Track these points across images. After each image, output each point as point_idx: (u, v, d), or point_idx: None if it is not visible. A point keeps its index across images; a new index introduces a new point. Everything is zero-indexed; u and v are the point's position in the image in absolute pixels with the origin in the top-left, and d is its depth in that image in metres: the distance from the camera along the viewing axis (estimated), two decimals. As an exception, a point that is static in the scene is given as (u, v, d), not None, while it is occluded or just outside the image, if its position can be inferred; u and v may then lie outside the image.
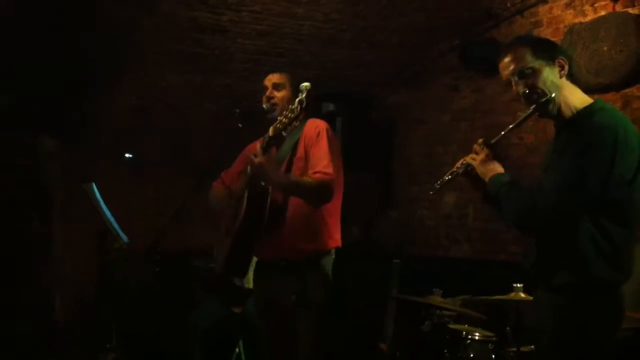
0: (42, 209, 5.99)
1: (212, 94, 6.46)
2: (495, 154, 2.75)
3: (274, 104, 3.55)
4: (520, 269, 2.78)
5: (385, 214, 6.83)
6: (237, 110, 3.61)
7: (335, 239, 3.53)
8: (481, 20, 5.82)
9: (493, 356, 4.02)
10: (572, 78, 2.67)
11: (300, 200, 3.40)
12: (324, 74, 6.16)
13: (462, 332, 4.19)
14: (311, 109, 3.47)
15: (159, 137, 6.45)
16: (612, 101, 4.47)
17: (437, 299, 4.39)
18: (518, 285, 3.80)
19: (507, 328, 4.10)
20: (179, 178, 5.87)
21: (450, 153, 6.30)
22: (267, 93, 3.59)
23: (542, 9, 5.39)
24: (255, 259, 3.64)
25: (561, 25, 5.18)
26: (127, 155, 6.31)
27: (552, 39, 4.00)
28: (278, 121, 3.26)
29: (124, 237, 4.25)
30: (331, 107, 6.45)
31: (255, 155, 3.25)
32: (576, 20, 5.07)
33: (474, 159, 2.77)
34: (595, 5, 4.97)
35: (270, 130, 3.33)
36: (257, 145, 3.42)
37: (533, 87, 2.61)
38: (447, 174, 2.84)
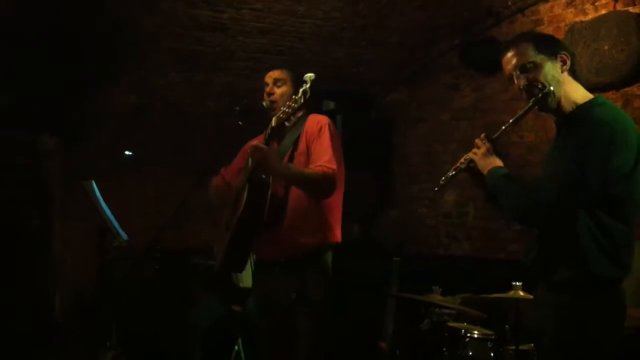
0: (42, 207, 5.99)
1: (212, 92, 6.46)
2: (496, 150, 2.76)
3: (274, 101, 3.54)
4: (521, 266, 2.78)
5: (385, 212, 6.83)
6: (237, 108, 3.59)
7: (336, 234, 3.52)
8: (482, 19, 5.82)
9: (492, 354, 4.03)
10: (575, 74, 2.68)
11: (301, 194, 3.39)
12: (324, 72, 6.12)
13: (461, 330, 4.20)
14: (312, 107, 3.48)
15: (159, 136, 6.45)
16: (612, 100, 4.45)
17: (436, 297, 4.39)
18: (517, 283, 3.80)
19: (506, 326, 4.11)
20: (178, 176, 5.87)
21: (449, 152, 6.30)
22: (268, 89, 3.58)
23: (543, 8, 5.39)
24: (254, 258, 3.63)
25: (562, 24, 5.18)
26: (126, 152, 6.30)
27: (553, 37, 4.00)
28: (281, 111, 3.26)
29: (124, 235, 4.25)
30: (332, 105, 6.45)
31: (258, 147, 3.24)
32: (577, 19, 5.07)
33: (476, 153, 2.78)
34: (596, 4, 4.97)
35: (273, 121, 3.32)
36: (257, 141, 3.42)
37: (533, 81, 2.63)
38: (451, 170, 2.85)
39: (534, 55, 2.63)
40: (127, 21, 5.24)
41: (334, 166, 3.33)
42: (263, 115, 3.57)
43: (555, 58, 2.63)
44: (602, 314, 2.50)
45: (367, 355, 5.04)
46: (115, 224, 4.28)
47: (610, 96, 4.66)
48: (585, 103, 2.61)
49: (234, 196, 3.49)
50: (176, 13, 5.23)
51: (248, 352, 4.69)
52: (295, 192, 3.43)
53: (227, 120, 3.58)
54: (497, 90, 5.82)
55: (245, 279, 4.33)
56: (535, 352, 3.38)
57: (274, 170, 3.30)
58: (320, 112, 3.77)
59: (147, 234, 3.78)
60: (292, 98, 3.21)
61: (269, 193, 3.33)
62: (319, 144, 3.41)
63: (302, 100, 3.14)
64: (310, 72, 3.24)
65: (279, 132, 3.43)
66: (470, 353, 4.05)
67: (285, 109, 3.22)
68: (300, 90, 3.15)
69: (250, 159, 3.34)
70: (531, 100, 2.64)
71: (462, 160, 2.83)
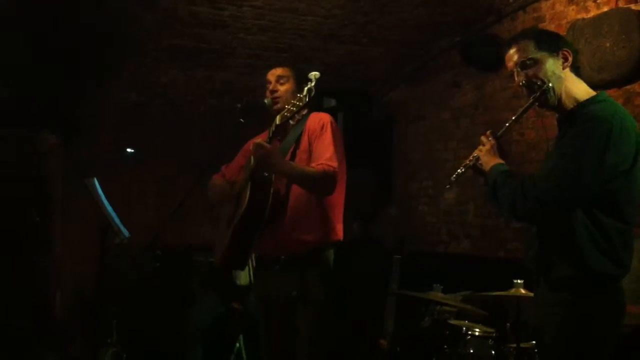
0: (42, 204, 5.99)
1: (213, 90, 6.46)
2: (500, 148, 2.77)
3: (277, 97, 3.54)
4: (521, 264, 2.78)
5: (385, 210, 6.83)
6: (239, 106, 3.59)
7: (337, 232, 3.51)
8: (483, 16, 5.81)
9: (493, 352, 4.03)
10: (578, 71, 2.68)
11: (303, 192, 3.39)
12: (325, 69, 6.13)
13: (462, 328, 4.20)
14: (313, 104, 3.47)
15: (159, 133, 6.45)
16: (614, 97, 4.41)
17: (437, 294, 4.39)
18: (518, 281, 3.80)
19: (507, 324, 4.10)
20: (179, 174, 5.88)
21: (450, 150, 6.30)
22: (270, 87, 3.57)
23: (545, 5, 5.38)
24: (254, 256, 3.63)
25: (564, 21, 5.16)
26: (128, 150, 6.30)
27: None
28: (286, 109, 3.25)
29: (125, 232, 4.24)
30: (332, 102, 6.44)
31: (260, 144, 3.24)
32: (579, 16, 5.06)
33: (481, 150, 2.79)
34: (598, 1, 4.95)
35: (277, 119, 3.32)
36: (260, 139, 3.41)
37: (533, 77, 2.64)
38: (461, 167, 2.86)
39: (534, 52, 2.64)
40: (128, 18, 5.23)
41: (335, 164, 3.33)
42: (264, 113, 3.56)
43: (557, 55, 2.64)
44: (600, 311, 2.50)
45: (368, 352, 5.04)
46: (117, 220, 4.26)
47: (611, 93, 4.64)
48: (586, 100, 2.61)
49: (236, 193, 3.48)
50: (177, 10, 5.23)
51: (249, 348, 4.69)
52: (296, 190, 3.42)
53: (228, 117, 3.57)
54: (498, 88, 5.81)
55: (242, 276, 4.33)
56: (536, 349, 3.39)
57: (276, 168, 3.30)
58: (321, 109, 3.76)
59: (148, 232, 3.79)
60: (297, 96, 3.20)
61: (271, 191, 3.33)
62: (321, 142, 3.41)
63: (307, 99, 3.13)
64: (311, 69, 3.24)
65: (283, 130, 3.43)
66: (471, 351, 4.05)
67: (290, 107, 3.21)
68: (305, 88, 3.14)
69: (252, 157, 3.34)
70: (531, 97, 2.65)
71: (470, 157, 2.84)
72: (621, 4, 4.80)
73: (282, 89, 3.55)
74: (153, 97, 6.38)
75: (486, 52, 5.74)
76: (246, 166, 3.48)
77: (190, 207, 3.76)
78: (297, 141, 3.51)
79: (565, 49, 2.65)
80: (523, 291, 3.77)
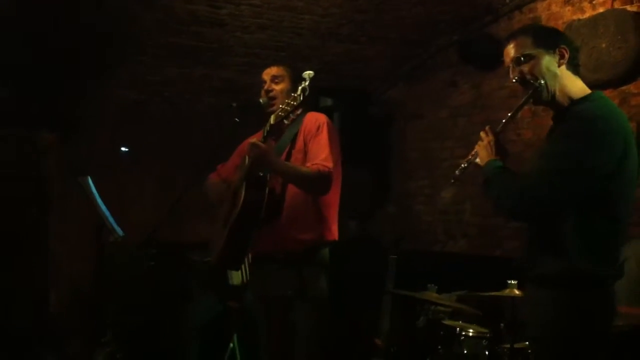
0: (39, 203, 6.00)
1: (210, 88, 6.46)
2: (500, 144, 2.77)
3: (273, 97, 3.55)
4: (513, 264, 2.80)
5: (382, 209, 6.83)
6: (234, 105, 3.60)
7: (333, 232, 3.53)
8: (480, 15, 5.81)
9: (487, 352, 4.03)
10: (576, 69, 2.67)
11: (298, 191, 3.41)
12: (322, 67, 6.15)
13: (456, 328, 4.20)
14: (309, 104, 3.48)
15: (157, 131, 6.45)
16: (609, 98, 4.46)
17: (432, 294, 4.39)
18: (513, 282, 3.81)
19: (502, 324, 4.11)
20: (177, 172, 5.88)
21: (447, 148, 6.30)
22: (266, 86, 3.58)
23: (541, 5, 5.38)
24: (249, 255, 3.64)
25: (560, 22, 5.17)
26: (122, 148, 6.31)
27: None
28: (280, 109, 3.26)
29: (119, 231, 4.25)
30: (329, 101, 6.44)
31: (255, 143, 3.25)
32: (575, 17, 5.07)
33: (479, 145, 2.80)
34: (594, 2, 4.96)
35: (272, 119, 3.34)
36: (254, 139, 3.42)
37: (527, 74, 2.64)
38: (464, 162, 2.87)
39: (531, 48, 2.64)
40: (128, 17, 5.23)
41: (330, 164, 3.34)
42: (260, 112, 3.57)
43: (554, 52, 2.63)
44: (584, 310, 2.48)
45: (363, 351, 5.05)
46: (111, 219, 4.27)
47: (607, 94, 4.58)
48: (580, 98, 2.60)
49: (231, 193, 3.50)
50: (174, 8, 5.23)
51: (243, 348, 4.70)
52: (293, 189, 3.45)
53: (227, 115, 3.58)
54: (495, 88, 5.81)
55: (235, 277, 4.34)
56: (530, 349, 3.39)
57: (271, 167, 3.32)
58: (317, 109, 3.77)
59: (145, 230, 3.80)
60: (291, 96, 3.21)
61: (267, 190, 3.35)
62: (317, 142, 3.42)
63: (301, 98, 3.15)
64: (309, 67, 3.25)
65: (277, 129, 3.44)
66: (465, 351, 4.06)
67: (284, 106, 3.23)
68: (300, 88, 3.16)
69: (247, 157, 3.35)
70: (525, 94, 2.66)
71: (472, 152, 2.85)
72: (617, 5, 4.80)
73: (277, 88, 3.56)
74: (152, 95, 6.38)
75: (484, 51, 5.74)
76: (241, 166, 3.49)
77: (187, 205, 3.76)
78: (293, 141, 3.52)
79: (563, 46, 2.64)
80: (517, 291, 3.78)
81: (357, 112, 6.72)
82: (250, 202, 3.29)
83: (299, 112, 3.49)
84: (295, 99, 3.16)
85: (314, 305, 3.43)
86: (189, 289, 5.37)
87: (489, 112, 5.85)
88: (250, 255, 3.65)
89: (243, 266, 3.76)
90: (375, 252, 5.63)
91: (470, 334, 4.12)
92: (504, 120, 2.76)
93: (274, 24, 5.58)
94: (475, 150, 2.83)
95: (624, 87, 4.76)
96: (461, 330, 4.16)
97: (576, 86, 2.64)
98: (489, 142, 2.76)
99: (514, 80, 2.68)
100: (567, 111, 2.60)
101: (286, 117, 3.29)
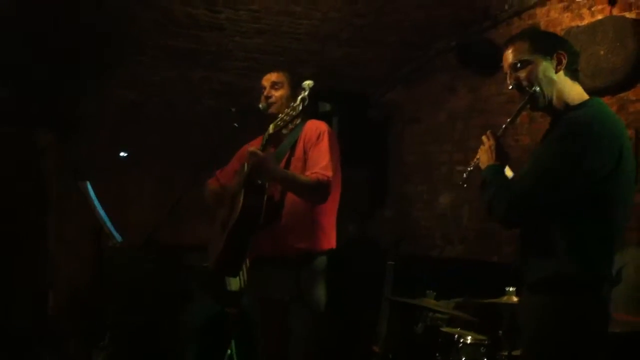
0: (38, 203, 5.99)
1: (210, 90, 6.45)
2: (501, 148, 2.77)
3: (272, 103, 3.55)
4: (510, 270, 2.80)
5: (380, 213, 6.83)
6: (233, 109, 3.61)
7: (330, 240, 3.54)
8: (479, 20, 5.81)
9: (485, 359, 4.03)
10: (575, 74, 2.67)
11: (297, 199, 3.41)
12: (321, 71, 6.15)
13: (454, 335, 4.20)
14: (308, 109, 3.48)
15: (157, 132, 6.45)
16: (608, 105, 4.47)
17: (430, 301, 4.39)
18: (510, 289, 3.81)
19: (500, 331, 4.10)
20: (175, 174, 5.88)
21: (445, 152, 6.30)
22: (265, 92, 3.59)
23: (540, 12, 5.39)
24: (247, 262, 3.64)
25: (558, 28, 5.17)
26: (121, 153, 6.30)
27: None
28: (279, 118, 3.27)
29: (118, 237, 4.25)
30: (327, 106, 6.42)
31: (254, 152, 3.26)
32: (573, 24, 5.07)
33: (481, 149, 2.80)
34: (593, 9, 4.97)
35: (271, 128, 3.34)
36: (253, 147, 3.43)
37: (523, 80, 2.64)
38: (470, 165, 2.88)
39: (527, 54, 2.64)
40: (127, 18, 5.23)
41: (330, 173, 3.34)
42: (259, 116, 3.58)
43: (551, 57, 2.63)
44: (575, 315, 2.48)
45: (360, 358, 5.05)
46: (109, 224, 4.27)
47: (605, 101, 4.58)
48: (576, 104, 2.60)
49: (230, 198, 3.50)
50: (173, 11, 5.23)
51: (240, 353, 4.70)
52: (291, 196, 3.45)
53: (226, 118, 3.59)
54: (493, 92, 5.81)
55: (233, 282, 4.35)
56: (522, 354, 3.39)
57: (269, 175, 3.32)
58: (316, 114, 3.77)
59: (144, 231, 3.80)
60: (290, 105, 3.22)
61: (265, 198, 3.35)
62: (317, 151, 3.42)
63: (300, 108, 3.15)
64: (308, 72, 3.26)
65: (277, 137, 3.44)
66: (464, 358, 4.05)
67: (283, 116, 3.24)
68: (299, 98, 3.16)
69: (246, 164, 3.36)
70: (522, 100, 2.67)
71: (477, 156, 2.85)
72: (615, 12, 4.81)
73: (276, 94, 3.57)
74: (151, 96, 6.38)
75: (482, 56, 5.74)
76: (240, 171, 3.49)
77: (186, 208, 3.77)
78: (292, 148, 3.53)
79: (560, 51, 2.63)
80: (515, 298, 3.78)
81: (355, 115, 6.72)
82: (248, 207, 3.30)
83: (298, 120, 3.50)
84: (294, 108, 3.17)
85: (310, 311, 3.43)
86: (189, 290, 5.38)
87: (487, 116, 5.85)
88: (248, 260, 3.66)
89: (241, 272, 3.76)
90: (374, 255, 5.64)
91: (469, 341, 4.12)
92: (504, 125, 2.77)
93: (273, 28, 5.58)
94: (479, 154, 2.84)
95: (622, 94, 4.76)
96: (459, 337, 4.16)
97: (574, 92, 2.64)
98: (489, 147, 2.76)
99: (510, 87, 2.69)
100: (564, 116, 2.59)
101: (285, 126, 3.30)
